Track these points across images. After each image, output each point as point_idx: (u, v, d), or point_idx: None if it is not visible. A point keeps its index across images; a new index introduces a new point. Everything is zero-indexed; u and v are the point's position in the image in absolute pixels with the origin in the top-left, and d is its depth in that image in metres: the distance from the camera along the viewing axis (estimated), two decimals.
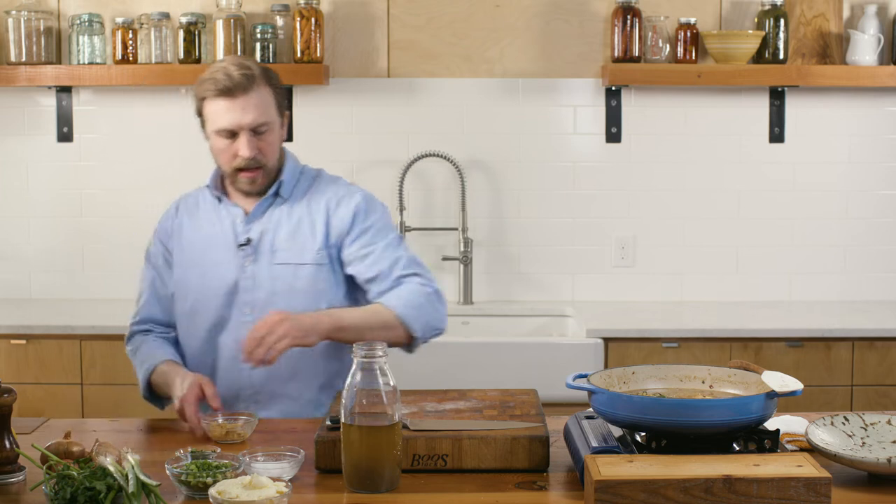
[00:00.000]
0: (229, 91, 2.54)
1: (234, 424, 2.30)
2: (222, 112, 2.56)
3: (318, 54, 3.97)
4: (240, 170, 2.61)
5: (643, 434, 2.05)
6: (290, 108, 4.13)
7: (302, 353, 2.55)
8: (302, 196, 2.70)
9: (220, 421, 2.30)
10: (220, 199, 2.70)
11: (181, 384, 2.43)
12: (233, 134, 2.58)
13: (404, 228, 4.06)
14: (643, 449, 2.02)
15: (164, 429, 2.44)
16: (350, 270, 2.65)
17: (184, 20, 3.95)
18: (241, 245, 2.64)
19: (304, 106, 4.14)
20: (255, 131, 2.58)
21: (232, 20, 3.95)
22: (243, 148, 2.57)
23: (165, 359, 2.60)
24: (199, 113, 2.64)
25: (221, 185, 2.72)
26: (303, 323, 2.41)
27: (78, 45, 3.97)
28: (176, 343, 2.71)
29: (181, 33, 3.96)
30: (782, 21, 3.95)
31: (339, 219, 2.65)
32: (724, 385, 2.17)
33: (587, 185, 4.16)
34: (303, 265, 2.62)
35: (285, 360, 2.48)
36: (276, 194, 2.68)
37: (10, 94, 4.13)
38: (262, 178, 2.63)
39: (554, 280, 4.18)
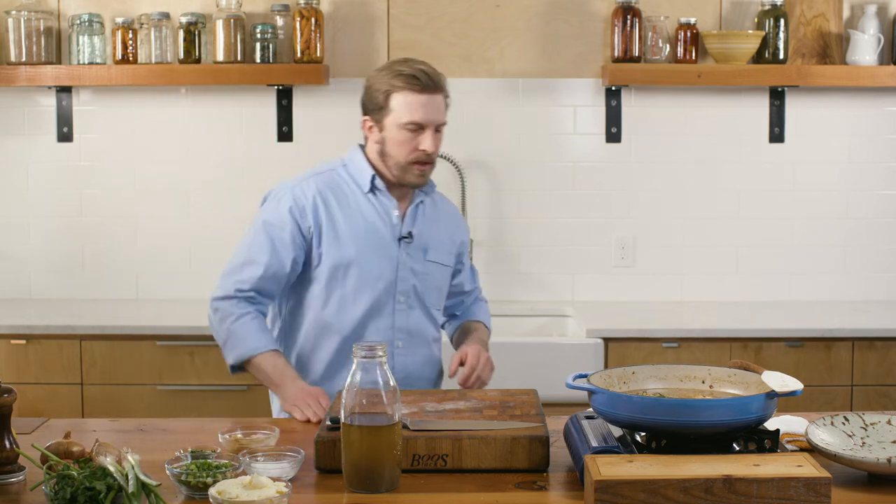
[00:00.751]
0: (429, 88, 2.67)
1: (250, 440, 2.22)
2: (418, 106, 2.66)
3: (318, 54, 3.97)
4: (415, 163, 2.70)
5: (643, 434, 2.05)
6: (289, 108, 4.13)
7: (430, 344, 2.85)
8: (434, 203, 2.89)
9: (239, 436, 2.24)
10: (374, 190, 2.78)
11: (295, 393, 2.58)
12: (419, 128, 2.67)
13: None
14: (643, 449, 2.02)
15: (164, 429, 2.44)
16: (457, 280, 2.97)
17: (184, 20, 3.95)
18: (403, 238, 2.77)
19: (304, 106, 4.14)
20: (437, 129, 2.71)
21: (232, 20, 3.95)
22: (428, 143, 2.68)
23: (272, 349, 2.69)
24: (381, 105, 2.70)
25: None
26: (486, 355, 2.79)
27: (78, 45, 3.97)
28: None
29: (181, 33, 3.96)
30: (782, 21, 3.95)
31: (460, 232, 2.97)
32: (724, 385, 2.17)
33: (587, 185, 4.16)
34: (445, 266, 2.89)
35: (425, 350, 2.82)
36: (423, 194, 2.84)
37: (10, 94, 4.13)
38: (429, 172, 2.76)
39: (554, 280, 4.18)
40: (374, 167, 2.77)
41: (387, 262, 2.76)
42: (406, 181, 2.74)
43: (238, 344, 2.68)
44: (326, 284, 2.74)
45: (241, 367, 2.71)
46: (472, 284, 3.04)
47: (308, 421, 2.49)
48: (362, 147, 2.81)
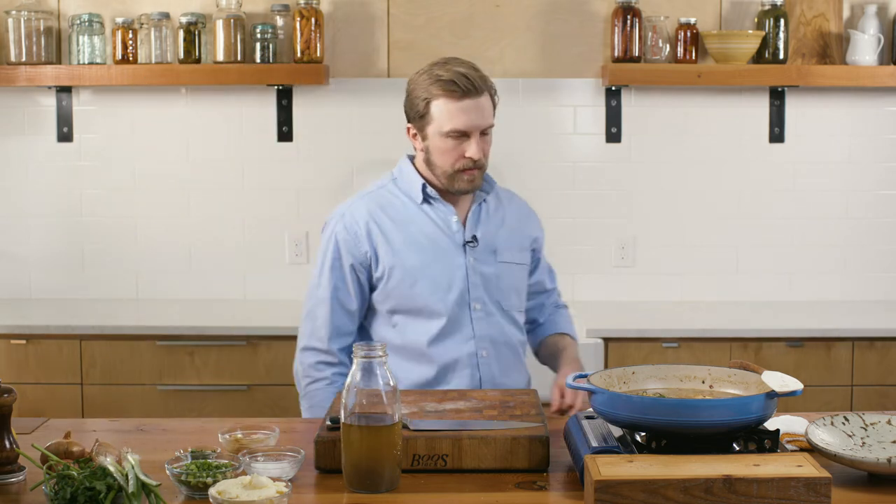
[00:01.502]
0: (468, 93, 2.56)
1: (250, 440, 2.20)
2: (457, 114, 2.56)
3: (318, 54, 3.97)
4: (463, 170, 2.62)
5: (643, 434, 2.05)
6: (289, 108, 4.13)
7: (516, 349, 2.75)
8: (498, 201, 2.79)
9: (239, 436, 2.22)
10: (426, 198, 2.69)
11: None
12: (463, 135, 2.58)
13: None
14: (643, 449, 2.02)
15: (164, 429, 2.44)
16: (534, 278, 2.86)
17: (184, 20, 3.96)
18: (468, 243, 2.68)
19: (304, 106, 4.14)
20: (483, 133, 2.60)
21: (232, 20, 3.95)
22: (474, 150, 2.58)
23: None
24: (422, 114, 2.61)
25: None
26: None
27: (78, 45, 3.97)
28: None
29: (181, 33, 3.96)
30: (782, 21, 3.95)
31: (532, 228, 2.84)
32: (724, 385, 2.17)
33: (587, 185, 4.16)
34: (520, 265, 2.77)
35: (511, 356, 2.72)
36: (484, 199, 2.74)
37: (10, 94, 4.14)
38: (479, 177, 2.65)
39: None
40: (423, 176, 2.69)
41: (454, 272, 2.66)
42: (456, 189, 2.65)
43: (309, 408, 2.69)
44: (399, 305, 2.66)
45: None
46: (551, 283, 2.93)
47: None
48: (411, 158, 2.73)
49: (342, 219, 2.69)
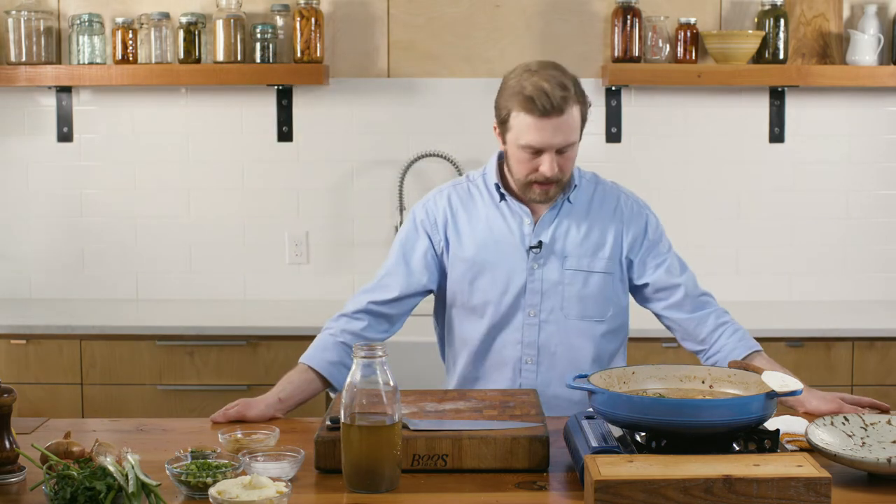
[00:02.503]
0: (547, 113, 2.49)
1: (250, 440, 2.22)
2: (532, 130, 2.51)
3: (318, 54, 3.97)
4: (534, 182, 2.57)
5: (643, 434, 2.05)
6: (289, 108, 4.13)
7: (590, 364, 2.64)
8: (588, 202, 2.69)
9: (239, 436, 2.22)
10: (503, 197, 2.67)
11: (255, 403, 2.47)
12: (538, 151, 2.53)
13: None
14: (643, 449, 2.02)
15: (164, 429, 2.44)
16: (644, 279, 2.70)
17: (184, 20, 3.96)
18: (533, 248, 2.63)
19: (304, 106, 4.14)
20: (560, 151, 2.54)
21: (232, 20, 3.95)
22: (547, 167, 2.52)
23: (305, 364, 2.57)
24: (504, 120, 2.57)
25: (503, 181, 2.69)
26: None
27: (78, 45, 3.97)
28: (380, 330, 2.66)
29: (181, 33, 3.96)
30: (782, 21, 3.95)
31: (632, 228, 2.68)
32: (724, 385, 2.17)
33: None
34: (593, 273, 2.65)
35: (571, 366, 2.61)
36: (566, 200, 2.67)
37: (10, 94, 4.14)
38: (555, 190, 2.59)
39: None
40: (506, 174, 2.66)
41: (514, 275, 2.63)
42: (529, 198, 2.61)
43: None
44: (456, 297, 2.68)
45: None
46: (674, 280, 2.71)
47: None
48: (501, 154, 2.70)
49: (425, 205, 2.72)
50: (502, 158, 2.68)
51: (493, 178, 2.68)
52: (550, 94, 2.49)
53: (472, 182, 2.72)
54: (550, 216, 2.65)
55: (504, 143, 2.60)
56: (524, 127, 2.51)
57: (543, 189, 2.57)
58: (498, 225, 2.66)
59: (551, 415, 2.60)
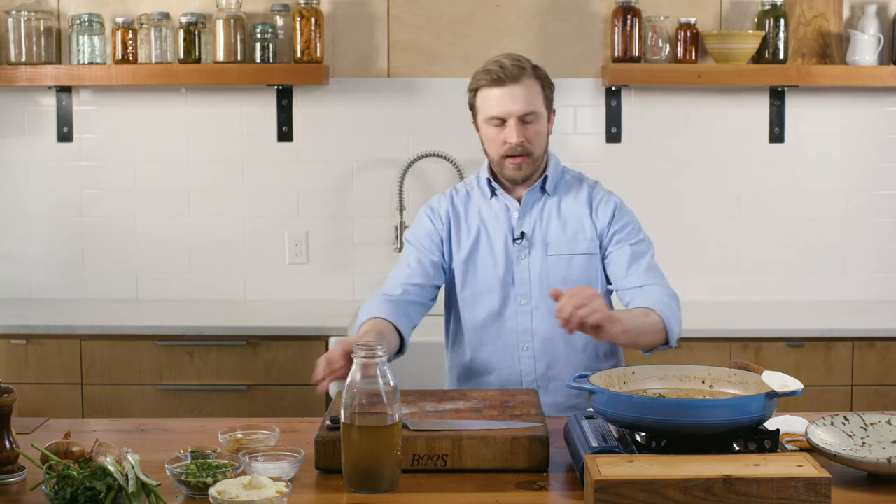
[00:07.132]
0: (500, 80, 2.65)
1: (250, 440, 2.21)
2: (492, 101, 2.67)
3: (318, 54, 3.97)
4: (507, 156, 2.70)
5: (643, 434, 2.05)
6: (289, 107, 4.13)
7: (584, 346, 2.72)
8: (566, 192, 2.81)
9: (239, 436, 2.22)
10: (494, 191, 2.79)
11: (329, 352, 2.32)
12: (502, 122, 2.67)
13: (404, 228, 4.06)
14: (643, 449, 2.02)
15: (164, 429, 2.45)
16: (610, 249, 2.77)
17: (184, 20, 3.96)
18: (516, 240, 2.75)
19: (304, 106, 4.14)
20: (523, 120, 2.67)
21: (232, 20, 3.95)
22: (511, 134, 2.66)
23: (374, 316, 2.60)
24: (472, 105, 2.75)
25: (494, 177, 2.82)
26: (608, 311, 2.34)
27: (78, 45, 3.97)
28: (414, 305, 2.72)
29: (181, 33, 3.96)
30: (782, 21, 3.95)
31: (601, 214, 2.78)
32: (724, 385, 2.17)
33: None
34: (575, 255, 2.75)
35: (568, 348, 2.71)
36: (543, 189, 2.78)
37: (10, 94, 4.14)
38: (527, 165, 2.71)
39: None
40: (493, 169, 2.80)
41: (502, 266, 2.75)
42: (506, 177, 2.75)
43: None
44: (454, 291, 2.80)
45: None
46: (627, 266, 2.70)
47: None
48: None
49: (430, 204, 2.87)
50: None
51: (485, 174, 2.81)
52: (504, 66, 2.66)
53: (469, 184, 2.87)
54: (529, 206, 2.77)
55: (478, 129, 2.75)
56: (486, 100, 2.68)
57: (516, 163, 2.70)
58: (489, 219, 2.79)
59: (556, 400, 2.64)
